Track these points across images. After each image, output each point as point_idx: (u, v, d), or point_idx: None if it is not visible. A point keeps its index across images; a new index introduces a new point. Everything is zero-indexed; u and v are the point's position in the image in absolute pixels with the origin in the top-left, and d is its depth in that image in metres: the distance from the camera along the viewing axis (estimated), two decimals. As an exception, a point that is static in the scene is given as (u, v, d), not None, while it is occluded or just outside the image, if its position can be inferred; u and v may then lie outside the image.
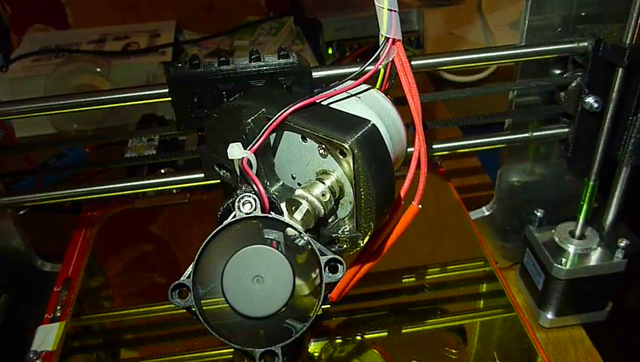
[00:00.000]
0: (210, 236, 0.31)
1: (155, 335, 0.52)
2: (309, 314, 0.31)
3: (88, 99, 0.43)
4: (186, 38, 0.98)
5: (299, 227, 0.32)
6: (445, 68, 0.45)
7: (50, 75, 0.84)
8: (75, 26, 1.03)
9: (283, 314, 0.30)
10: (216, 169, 0.43)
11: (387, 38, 0.36)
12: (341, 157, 0.33)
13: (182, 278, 0.31)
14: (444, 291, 0.59)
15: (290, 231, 0.33)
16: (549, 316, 0.56)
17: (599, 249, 0.53)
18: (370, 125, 0.33)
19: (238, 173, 0.35)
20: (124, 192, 0.47)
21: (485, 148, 0.49)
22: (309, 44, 1.00)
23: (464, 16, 1.33)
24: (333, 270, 0.31)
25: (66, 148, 0.77)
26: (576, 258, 0.53)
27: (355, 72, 0.43)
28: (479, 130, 0.53)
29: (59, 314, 0.47)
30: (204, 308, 0.31)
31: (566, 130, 0.50)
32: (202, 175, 0.47)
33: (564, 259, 0.53)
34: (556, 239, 0.55)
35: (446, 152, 0.49)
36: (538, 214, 0.56)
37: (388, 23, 0.35)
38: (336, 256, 0.31)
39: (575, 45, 0.45)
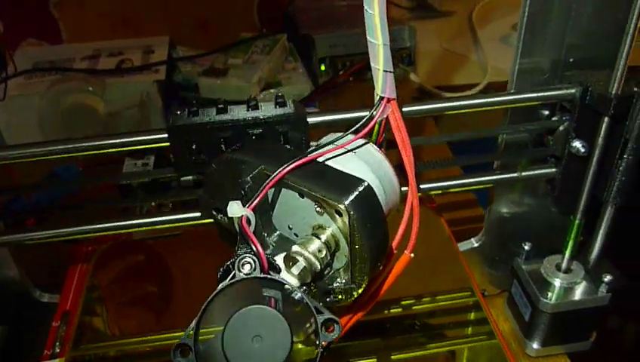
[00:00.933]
0: (211, 297, 0.32)
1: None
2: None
3: (88, 144, 0.44)
4: (180, 55, 0.98)
5: (295, 284, 0.33)
6: (437, 113, 0.46)
7: (43, 94, 0.84)
8: (69, 40, 1.03)
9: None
10: (214, 213, 0.44)
11: (382, 97, 0.37)
12: (337, 216, 0.34)
13: (184, 338, 0.32)
14: (433, 319, 0.60)
15: (287, 286, 0.34)
16: (535, 346, 0.58)
17: (584, 283, 0.55)
18: (365, 185, 0.35)
19: (238, 231, 0.36)
20: (122, 231, 0.48)
21: (475, 187, 0.51)
22: (302, 61, 1.01)
23: (455, 28, 1.35)
24: (330, 329, 0.32)
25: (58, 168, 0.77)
26: (562, 291, 0.55)
27: (350, 118, 0.45)
28: (471, 150, 0.54)
29: (58, 350, 0.48)
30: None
31: (553, 170, 0.51)
32: (198, 214, 0.48)
33: (550, 293, 0.54)
34: (543, 272, 0.56)
35: (438, 191, 0.50)
36: (525, 247, 0.58)
37: (383, 84, 0.36)
38: (332, 317, 0.32)
39: (563, 92, 0.47)
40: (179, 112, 0.43)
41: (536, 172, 0.51)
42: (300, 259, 0.35)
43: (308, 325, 0.34)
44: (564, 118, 0.49)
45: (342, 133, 0.39)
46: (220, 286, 0.32)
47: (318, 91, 0.95)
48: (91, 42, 0.99)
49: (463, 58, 1.24)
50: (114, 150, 0.43)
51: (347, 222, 0.34)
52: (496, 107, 0.47)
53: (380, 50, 0.35)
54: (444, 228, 0.60)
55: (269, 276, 0.33)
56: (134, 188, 0.60)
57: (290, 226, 0.39)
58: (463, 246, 0.61)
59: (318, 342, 0.32)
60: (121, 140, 0.43)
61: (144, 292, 0.57)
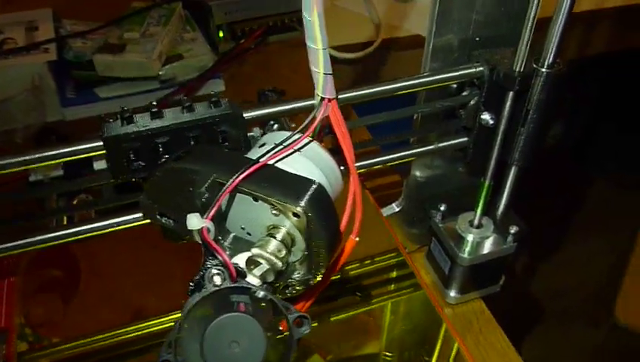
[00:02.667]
0: (187, 310, 0.33)
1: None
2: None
3: (12, 160, 0.41)
4: (68, 30, 0.91)
5: (261, 288, 0.35)
6: (355, 102, 0.49)
7: None
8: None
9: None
10: (158, 217, 0.44)
11: (323, 98, 0.38)
12: (293, 217, 0.36)
13: (163, 353, 0.33)
14: (365, 280, 0.65)
15: (255, 290, 0.36)
16: (453, 294, 0.64)
17: (494, 235, 0.62)
18: (316, 185, 0.37)
19: (199, 242, 0.37)
20: (45, 244, 0.46)
21: (397, 162, 0.55)
22: (200, 30, 0.99)
23: (344, -17, 1.36)
24: (300, 325, 0.35)
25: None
26: (475, 245, 0.61)
27: (286, 109, 0.46)
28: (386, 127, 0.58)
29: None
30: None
31: (465, 139, 0.56)
32: (137, 215, 0.47)
33: (465, 248, 0.61)
34: (458, 229, 0.62)
35: (363, 170, 0.54)
36: (441, 208, 0.63)
37: (324, 86, 0.38)
38: (302, 314, 0.34)
39: (473, 70, 0.51)
40: (111, 120, 0.42)
41: (450, 142, 0.56)
42: (262, 261, 0.37)
43: (275, 321, 0.36)
44: (473, 94, 0.53)
45: (285, 133, 0.40)
46: (194, 299, 0.33)
47: (221, 62, 0.94)
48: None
49: (355, 15, 1.26)
50: (43, 164, 0.41)
51: (304, 223, 0.36)
52: (416, 89, 0.50)
53: (320, 55, 0.37)
54: (369, 198, 0.64)
55: (240, 285, 0.34)
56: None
57: (243, 226, 0.40)
58: (386, 211, 0.65)
59: (289, 338, 0.34)
60: (52, 153, 0.41)
61: (83, 292, 0.56)
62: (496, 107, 0.52)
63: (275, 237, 0.38)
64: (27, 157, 0.42)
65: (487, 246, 0.61)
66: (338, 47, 1.15)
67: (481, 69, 0.51)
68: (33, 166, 0.43)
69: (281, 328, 0.36)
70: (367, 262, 0.65)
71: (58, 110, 0.86)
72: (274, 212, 0.37)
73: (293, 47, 1.08)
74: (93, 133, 0.73)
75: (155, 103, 0.43)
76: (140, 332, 0.56)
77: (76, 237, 0.47)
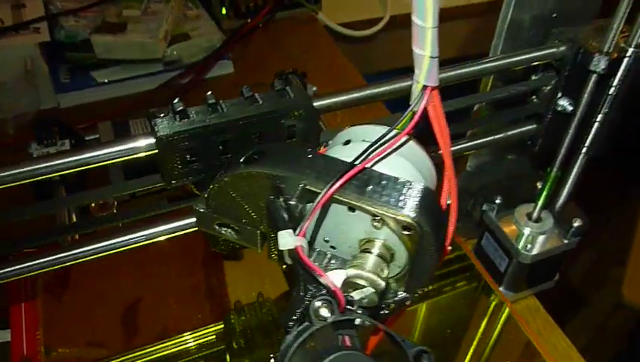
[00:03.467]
0: (289, 355, 0.27)
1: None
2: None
3: (53, 163, 0.34)
4: (59, 7, 0.82)
5: (369, 318, 0.29)
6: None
7: None
8: None
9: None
10: (217, 228, 0.37)
11: (425, 87, 0.32)
12: (405, 232, 0.30)
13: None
14: None
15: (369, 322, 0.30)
16: (506, 292, 0.60)
17: (555, 230, 0.57)
18: (426, 191, 0.31)
19: (288, 263, 0.30)
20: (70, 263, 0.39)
21: (464, 153, 0.49)
22: (203, 7, 0.91)
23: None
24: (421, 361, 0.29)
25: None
26: (534, 241, 0.57)
27: (358, 97, 0.40)
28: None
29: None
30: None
31: (534, 126, 0.51)
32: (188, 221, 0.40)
33: (526, 244, 0.56)
34: (515, 223, 0.58)
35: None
36: (497, 201, 0.58)
37: (428, 71, 0.32)
38: (422, 348, 0.29)
39: (554, 50, 0.46)
40: (162, 115, 0.35)
41: (520, 130, 0.50)
42: (362, 282, 0.31)
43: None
44: (549, 76, 0.48)
45: (376, 128, 0.34)
46: (297, 340, 0.27)
47: (230, 41, 0.86)
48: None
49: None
50: (89, 166, 0.34)
51: (417, 236, 0.30)
52: (490, 72, 0.44)
53: (428, 35, 0.31)
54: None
55: (350, 317, 0.28)
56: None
57: (327, 239, 0.34)
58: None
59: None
60: (97, 153, 0.34)
61: (105, 312, 0.49)
62: (575, 92, 0.47)
63: (371, 253, 0.32)
64: (55, 163, 0.35)
65: (549, 242, 0.57)
66: (348, 24, 1.08)
67: (563, 48, 0.46)
68: (61, 173, 0.35)
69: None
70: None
71: (51, 96, 0.77)
72: (375, 224, 0.31)
73: (302, 24, 1.01)
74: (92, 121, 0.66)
75: (210, 93, 0.36)
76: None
77: (101, 254, 0.40)
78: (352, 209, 0.32)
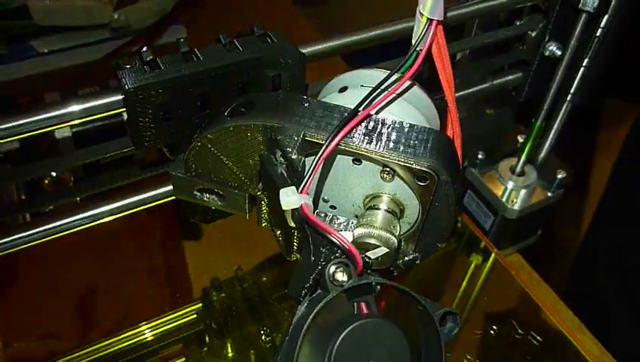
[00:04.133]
0: (306, 326, 0.23)
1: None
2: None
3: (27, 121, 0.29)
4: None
5: (402, 287, 0.26)
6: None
7: None
8: None
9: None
10: (198, 194, 0.33)
11: (430, 20, 0.29)
12: (419, 182, 0.27)
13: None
14: None
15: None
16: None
17: (539, 183, 0.55)
18: (440, 135, 0.28)
19: (292, 225, 0.27)
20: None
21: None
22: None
23: None
24: (447, 325, 0.26)
25: None
26: (521, 195, 0.55)
27: (351, 42, 0.36)
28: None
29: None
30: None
31: (520, 75, 0.49)
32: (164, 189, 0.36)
33: (514, 200, 0.54)
34: (498, 178, 0.56)
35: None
36: (480, 156, 0.56)
37: (434, 3, 0.28)
38: (448, 309, 0.26)
39: (543, -9, 0.43)
40: (129, 66, 0.30)
41: (507, 78, 0.48)
42: (375, 241, 0.28)
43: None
44: (536, 20, 0.45)
45: (374, 72, 0.31)
46: (312, 310, 0.24)
47: (182, 4, 0.80)
48: None
49: None
50: (51, 128, 0.29)
51: (433, 188, 0.27)
52: (473, 15, 0.42)
53: (433, -40, 0.27)
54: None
55: (368, 281, 0.25)
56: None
57: (326, 198, 0.31)
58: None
59: (440, 346, 0.26)
60: (57, 113, 0.29)
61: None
62: (564, 34, 0.45)
63: (379, 209, 0.29)
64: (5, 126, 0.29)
65: (533, 196, 0.55)
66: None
67: (551, -11, 0.43)
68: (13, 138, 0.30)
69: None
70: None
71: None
72: (385, 176, 0.28)
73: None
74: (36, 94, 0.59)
75: (182, 40, 0.32)
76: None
77: (57, 234, 0.35)
78: (357, 161, 0.28)
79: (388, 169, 0.28)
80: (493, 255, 0.56)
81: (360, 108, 0.27)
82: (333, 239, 0.25)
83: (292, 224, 0.27)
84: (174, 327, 0.48)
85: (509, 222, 0.55)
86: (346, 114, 0.27)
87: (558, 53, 0.45)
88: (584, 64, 0.47)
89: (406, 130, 0.28)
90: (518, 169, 0.55)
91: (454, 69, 0.31)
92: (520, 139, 0.55)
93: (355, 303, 0.26)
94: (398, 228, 0.29)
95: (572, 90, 0.49)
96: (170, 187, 0.35)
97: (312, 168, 0.26)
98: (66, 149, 0.38)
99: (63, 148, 0.40)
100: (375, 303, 0.26)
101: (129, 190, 0.36)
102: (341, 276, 0.24)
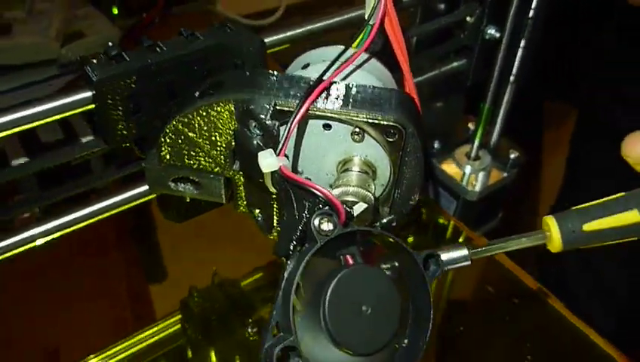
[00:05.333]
0: (298, 276, 0.24)
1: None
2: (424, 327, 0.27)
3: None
4: None
5: (385, 232, 0.27)
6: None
7: None
8: None
9: (396, 338, 0.26)
10: (173, 185, 0.34)
11: (380, -7, 0.31)
12: (389, 139, 0.29)
13: (267, 341, 0.24)
14: None
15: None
16: (459, 236, 0.60)
17: (495, 165, 0.58)
18: (403, 94, 0.30)
19: (276, 188, 0.28)
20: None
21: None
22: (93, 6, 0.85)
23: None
24: (430, 268, 0.27)
25: None
26: (478, 178, 0.57)
27: (311, 30, 0.38)
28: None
29: None
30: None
31: (464, 61, 0.52)
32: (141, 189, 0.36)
33: (473, 183, 0.57)
34: (456, 165, 0.58)
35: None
36: (436, 145, 0.59)
37: (381, -24, 0.30)
38: (432, 252, 0.27)
39: (474, -23, 0.47)
40: (95, 60, 0.31)
41: (453, 65, 0.51)
42: (353, 198, 0.29)
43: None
44: (473, 6, 0.49)
45: (332, 48, 0.32)
46: (301, 263, 0.24)
47: (126, 38, 0.81)
48: None
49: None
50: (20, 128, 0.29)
51: (401, 142, 0.29)
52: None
53: None
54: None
55: (352, 229, 0.26)
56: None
57: (301, 170, 0.32)
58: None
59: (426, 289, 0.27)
60: (28, 113, 0.29)
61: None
62: (501, 18, 0.48)
63: (352, 170, 0.30)
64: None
65: (490, 177, 0.58)
66: (243, 16, 1.06)
67: (482, -25, 0.47)
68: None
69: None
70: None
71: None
72: (355, 137, 0.30)
73: (200, 17, 0.97)
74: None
75: (145, 37, 0.33)
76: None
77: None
78: (327, 126, 0.30)
79: (358, 130, 0.29)
80: (464, 233, 0.57)
81: (324, 78, 0.29)
82: (315, 191, 0.26)
83: (272, 189, 0.28)
84: (156, 342, 0.47)
85: (472, 204, 0.57)
86: (311, 83, 0.29)
87: (497, 35, 0.49)
88: (522, 45, 0.50)
89: (370, 91, 0.29)
90: (473, 153, 0.58)
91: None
92: (471, 126, 0.58)
93: (342, 256, 0.27)
94: (373, 187, 0.30)
95: (514, 72, 0.52)
96: (142, 188, 0.35)
97: (286, 131, 0.27)
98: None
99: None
100: (360, 254, 0.27)
101: (102, 194, 0.36)
102: (326, 226, 0.25)
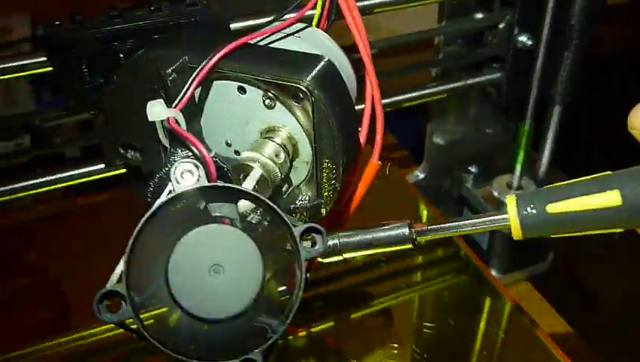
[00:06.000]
0: (141, 222, 0.23)
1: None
2: (288, 305, 0.24)
3: None
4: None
5: (261, 196, 0.24)
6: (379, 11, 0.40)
7: None
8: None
9: (253, 310, 0.23)
10: (122, 151, 0.34)
11: (324, -37, 0.30)
12: (296, 104, 0.27)
13: (109, 284, 0.23)
14: (396, 262, 0.52)
15: (244, 206, 0.25)
16: (496, 274, 0.53)
17: (539, 197, 0.51)
18: (326, 61, 0.27)
19: (165, 138, 0.27)
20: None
21: (424, 100, 0.45)
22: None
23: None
24: (312, 242, 0.24)
25: None
26: (518, 210, 0.51)
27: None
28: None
29: None
30: (145, 322, 0.23)
31: (498, 74, 0.47)
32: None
33: (508, 213, 0.50)
34: (495, 193, 0.52)
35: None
36: (472, 170, 0.53)
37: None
38: (312, 225, 0.24)
39: (502, -22, 0.43)
40: (57, 23, 0.32)
41: (482, 78, 0.46)
42: (255, 166, 0.27)
43: (279, 255, 0.26)
44: (505, 12, 0.44)
45: (279, 15, 0.31)
46: (155, 205, 0.23)
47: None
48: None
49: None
50: None
51: (310, 110, 0.26)
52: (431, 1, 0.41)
53: None
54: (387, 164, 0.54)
55: (221, 184, 0.24)
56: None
57: (229, 141, 0.30)
58: (411, 178, 0.55)
59: (299, 261, 0.24)
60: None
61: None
62: (533, 26, 0.43)
63: (273, 141, 0.28)
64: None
65: (533, 210, 0.51)
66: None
67: (512, -24, 0.43)
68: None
69: (280, 256, 0.25)
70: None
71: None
72: (267, 102, 0.28)
73: None
74: None
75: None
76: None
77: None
78: (241, 90, 0.28)
79: (270, 94, 0.27)
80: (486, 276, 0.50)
81: (246, 38, 0.28)
82: (190, 146, 0.24)
83: (165, 143, 0.27)
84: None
85: (506, 239, 0.51)
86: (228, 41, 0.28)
87: (529, 43, 0.44)
88: (565, 57, 0.44)
89: (291, 55, 0.27)
90: (515, 183, 0.52)
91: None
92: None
93: (217, 218, 0.25)
94: (283, 158, 0.28)
95: (558, 89, 0.46)
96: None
97: (187, 86, 0.26)
98: None
99: None
100: (239, 221, 0.25)
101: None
102: (190, 177, 0.23)
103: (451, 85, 0.46)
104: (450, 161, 0.55)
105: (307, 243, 0.24)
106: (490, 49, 0.46)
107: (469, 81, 0.47)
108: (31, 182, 0.37)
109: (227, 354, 0.23)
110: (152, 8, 0.34)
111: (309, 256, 0.24)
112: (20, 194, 0.37)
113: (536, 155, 0.51)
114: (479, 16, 0.46)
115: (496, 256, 0.52)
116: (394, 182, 0.53)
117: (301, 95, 0.26)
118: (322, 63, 0.27)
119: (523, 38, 0.44)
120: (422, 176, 0.55)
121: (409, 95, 0.44)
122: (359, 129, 0.30)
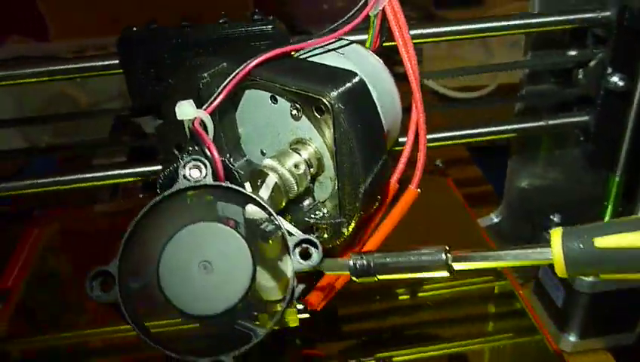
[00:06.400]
0: (143, 210, 0.24)
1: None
2: (275, 314, 0.24)
3: (26, 71, 0.37)
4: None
5: (262, 200, 0.24)
6: (448, 39, 0.39)
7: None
8: (55, 37, 0.98)
9: (238, 312, 0.23)
10: (176, 152, 0.36)
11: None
12: (318, 116, 0.26)
13: (109, 266, 0.24)
14: (448, 310, 0.50)
15: (252, 211, 0.25)
16: (572, 338, 0.48)
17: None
18: (356, 79, 0.27)
19: (188, 137, 0.28)
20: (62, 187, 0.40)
21: (495, 137, 0.43)
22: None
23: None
24: (305, 255, 0.24)
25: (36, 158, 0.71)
26: (601, 268, 0.46)
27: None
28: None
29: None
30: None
31: (585, 117, 0.43)
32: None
33: (588, 270, 0.45)
34: (577, 247, 0.47)
35: (448, 142, 0.42)
36: (555, 219, 0.49)
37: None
38: (308, 237, 0.24)
39: (597, 15, 0.39)
40: (134, 28, 0.36)
41: (567, 120, 0.43)
42: (271, 173, 0.27)
43: (285, 268, 0.26)
44: (596, 50, 0.41)
45: (327, 29, 0.31)
46: (160, 196, 0.24)
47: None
48: (78, 39, 0.94)
49: (472, 62, 1.17)
50: (57, 77, 0.36)
51: (331, 124, 0.26)
52: (518, 31, 0.39)
53: None
54: (454, 191, 0.51)
55: (223, 184, 0.24)
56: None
57: (264, 150, 0.31)
58: (484, 221, 0.52)
59: (289, 276, 0.23)
60: (66, 67, 0.36)
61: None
62: (627, 66, 0.40)
63: (297, 153, 0.28)
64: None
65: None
66: (455, 88, 1.06)
67: (607, 13, 0.39)
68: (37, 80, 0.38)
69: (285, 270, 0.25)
70: (455, 282, 0.50)
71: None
72: (294, 112, 0.28)
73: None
74: None
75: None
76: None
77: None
78: (274, 100, 0.29)
79: (297, 105, 0.27)
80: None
81: (284, 49, 0.28)
82: (202, 145, 0.25)
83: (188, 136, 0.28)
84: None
85: (582, 297, 0.46)
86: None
87: (621, 84, 0.40)
88: (662, 102, 0.40)
89: (322, 68, 0.28)
90: (602, 238, 0.47)
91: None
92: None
93: (224, 217, 0.25)
94: (303, 170, 0.27)
95: (657, 138, 0.41)
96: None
97: (219, 91, 0.27)
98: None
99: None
100: (244, 225, 0.25)
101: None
102: (196, 173, 0.24)
103: (529, 124, 0.43)
104: (532, 206, 0.52)
105: (301, 255, 0.24)
106: (578, 88, 0.43)
107: (551, 122, 0.43)
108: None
109: (202, 351, 0.23)
110: (220, 22, 0.36)
111: (300, 268, 0.23)
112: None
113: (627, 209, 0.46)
114: (570, 53, 0.43)
115: (573, 317, 0.47)
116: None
117: (323, 107, 0.26)
118: (353, 80, 0.27)
119: (615, 79, 0.40)
120: (496, 220, 0.52)
121: (479, 130, 0.42)
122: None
